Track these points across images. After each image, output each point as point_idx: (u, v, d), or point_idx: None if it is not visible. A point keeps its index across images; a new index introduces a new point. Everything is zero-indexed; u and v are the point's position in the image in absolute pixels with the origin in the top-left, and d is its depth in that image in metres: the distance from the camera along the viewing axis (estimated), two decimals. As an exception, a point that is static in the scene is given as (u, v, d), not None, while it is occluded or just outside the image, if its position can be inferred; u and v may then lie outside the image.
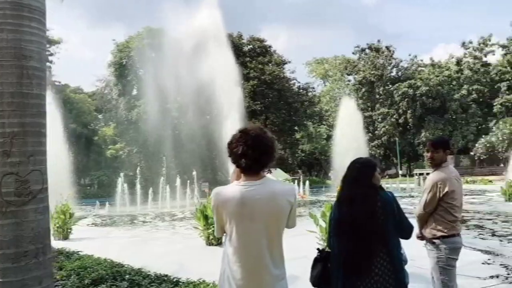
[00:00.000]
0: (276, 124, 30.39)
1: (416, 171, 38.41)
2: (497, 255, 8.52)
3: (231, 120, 24.35)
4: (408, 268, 3.00)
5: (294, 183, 27.57)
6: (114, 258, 6.62)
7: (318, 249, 3.09)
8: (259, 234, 2.31)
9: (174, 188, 22.91)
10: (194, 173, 22.62)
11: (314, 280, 3.00)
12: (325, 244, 3.38)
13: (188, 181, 22.74)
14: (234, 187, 2.37)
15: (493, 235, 10.83)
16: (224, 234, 2.42)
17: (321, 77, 69.37)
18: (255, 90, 30.56)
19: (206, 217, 9.77)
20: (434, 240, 3.57)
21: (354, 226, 2.78)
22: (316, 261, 3.01)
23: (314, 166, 51.55)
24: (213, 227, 2.85)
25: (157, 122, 27.45)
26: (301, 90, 34.24)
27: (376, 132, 46.68)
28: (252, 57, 34.18)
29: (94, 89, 42.61)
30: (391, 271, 2.73)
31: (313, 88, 35.96)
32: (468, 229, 11.82)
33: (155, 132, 27.89)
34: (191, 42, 25.23)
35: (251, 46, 34.95)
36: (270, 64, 32.54)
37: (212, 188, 2.87)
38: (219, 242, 9.21)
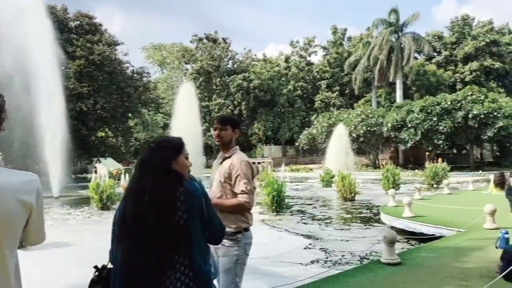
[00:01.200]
0: (107, 109, 27.76)
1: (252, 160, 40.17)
2: (317, 239, 8.83)
3: (51, 102, 21.31)
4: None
5: (125, 173, 25.72)
6: None
7: (95, 266, 2.11)
8: None
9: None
10: None
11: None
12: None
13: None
14: None
15: (313, 219, 11.40)
16: None
17: (158, 63, 67.36)
18: (82, 71, 27.30)
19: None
20: (238, 234, 2.90)
21: (140, 227, 1.90)
22: (93, 283, 2.05)
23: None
24: None
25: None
26: (135, 75, 32.02)
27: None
28: (79, 34, 30.50)
29: None
30: (191, 290, 1.89)
31: (148, 73, 34.00)
32: (292, 215, 12.32)
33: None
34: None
35: (78, 22, 31.20)
36: (100, 44, 29.44)
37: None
38: None
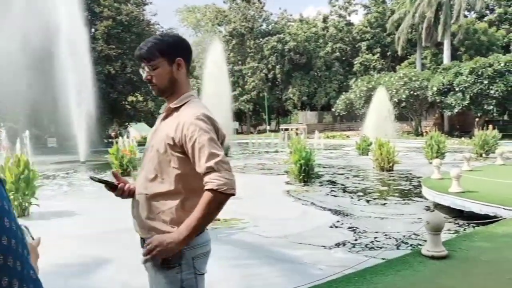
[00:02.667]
0: (136, 72, 27.04)
1: (283, 126, 38.92)
2: (346, 215, 7.66)
3: (76, 66, 20.72)
4: None
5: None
6: None
7: None
8: None
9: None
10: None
11: None
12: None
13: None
14: None
15: (345, 191, 10.19)
16: None
17: (192, 26, 66.02)
18: (110, 32, 26.53)
19: None
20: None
21: None
22: None
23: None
24: None
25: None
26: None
27: (246, 86, 46.02)
28: (106, -7, 29.71)
29: None
30: None
31: (178, 34, 32.63)
32: (321, 186, 11.16)
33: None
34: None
35: (104, -19, 30.32)
36: (128, 4, 28.46)
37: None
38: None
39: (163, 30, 31.96)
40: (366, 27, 47.38)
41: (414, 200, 8.82)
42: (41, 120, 24.28)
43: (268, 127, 47.21)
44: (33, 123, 23.19)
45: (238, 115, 50.52)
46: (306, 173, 11.37)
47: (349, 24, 49.63)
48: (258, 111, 53.12)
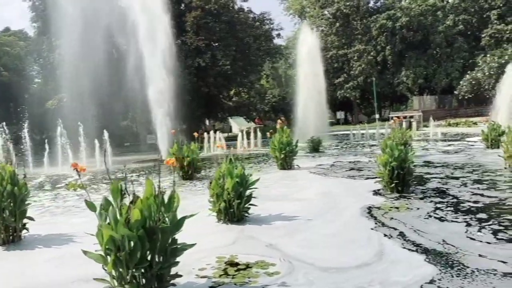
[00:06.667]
0: (226, 63, 25.53)
1: (393, 114, 34.33)
2: (453, 264, 4.42)
3: (157, 59, 19.82)
4: None
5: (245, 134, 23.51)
6: None
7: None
8: None
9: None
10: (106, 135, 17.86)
11: None
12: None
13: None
14: None
15: (457, 209, 6.80)
16: None
17: (298, 14, 63.48)
18: (198, 23, 25.39)
19: None
20: None
21: None
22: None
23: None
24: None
25: (81, 64, 22.82)
26: (257, 23, 28.91)
27: (352, 72, 41.96)
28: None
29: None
30: None
31: (270, 19, 30.49)
32: (424, 197, 7.81)
33: (80, 76, 23.37)
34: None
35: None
36: (216, -9, 27.14)
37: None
38: None
39: (255, 17, 30.07)
40: (497, -9, 39.70)
41: None
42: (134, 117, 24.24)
43: (377, 116, 42.60)
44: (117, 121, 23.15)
45: (345, 104, 46.71)
46: (401, 179, 8.18)
47: (475, -10, 42.22)
48: (368, 98, 48.58)
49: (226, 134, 32.64)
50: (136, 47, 20.21)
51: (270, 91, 40.57)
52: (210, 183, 6.80)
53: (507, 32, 38.42)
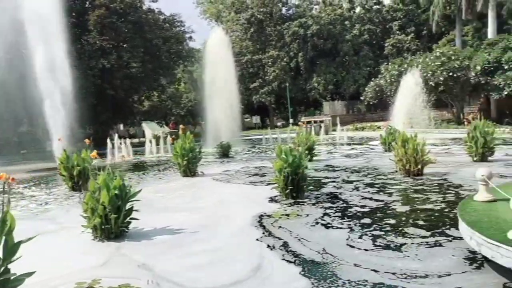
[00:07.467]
0: (133, 66, 24.41)
1: (304, 119, 35.33)
2: (326, 276, 4.25)
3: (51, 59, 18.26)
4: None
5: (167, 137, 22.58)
6: None
7: None
8: None
9: None
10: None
11: None
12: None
13: None
14: None
15: (344, 214, 6.80)
16: None
17: (215, 18, 63.32)
18: (103, 22, 23.96)
19: None
20: None
21: None
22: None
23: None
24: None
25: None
26: (166, 25, 28.02)
27: (266, 77, 42.65)
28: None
29: None
30: None
31: (181, 21, 29.81)
32: (317, 203, 7.81)
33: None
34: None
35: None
36: (121, -10, 25.87)
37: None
38: None
39: (165, 18, 29.17)
40: (398, 4, 42.84)
41: (448, 236, 5.37)
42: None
43: (291, 121, 43.71)
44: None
45: (262, 109, 47.29)
46: (295, 184, 8.14)
47: (378, 2, 45.15)
48: (283, 103, 49.69)
49: (137, 140, 31.28)
50: (29, 46, 18.54)
51: (186, 95, 39.74)
52: (84, 196, 6.17)
53: (407, 42, 41.61)
